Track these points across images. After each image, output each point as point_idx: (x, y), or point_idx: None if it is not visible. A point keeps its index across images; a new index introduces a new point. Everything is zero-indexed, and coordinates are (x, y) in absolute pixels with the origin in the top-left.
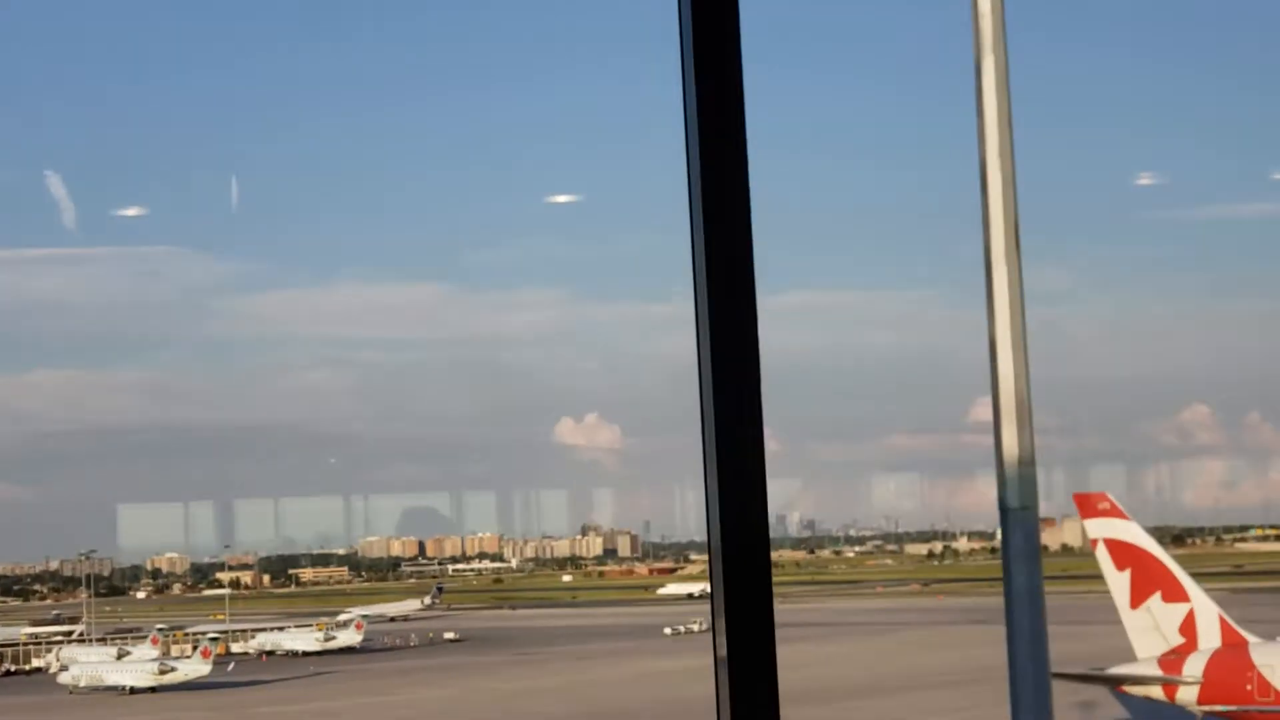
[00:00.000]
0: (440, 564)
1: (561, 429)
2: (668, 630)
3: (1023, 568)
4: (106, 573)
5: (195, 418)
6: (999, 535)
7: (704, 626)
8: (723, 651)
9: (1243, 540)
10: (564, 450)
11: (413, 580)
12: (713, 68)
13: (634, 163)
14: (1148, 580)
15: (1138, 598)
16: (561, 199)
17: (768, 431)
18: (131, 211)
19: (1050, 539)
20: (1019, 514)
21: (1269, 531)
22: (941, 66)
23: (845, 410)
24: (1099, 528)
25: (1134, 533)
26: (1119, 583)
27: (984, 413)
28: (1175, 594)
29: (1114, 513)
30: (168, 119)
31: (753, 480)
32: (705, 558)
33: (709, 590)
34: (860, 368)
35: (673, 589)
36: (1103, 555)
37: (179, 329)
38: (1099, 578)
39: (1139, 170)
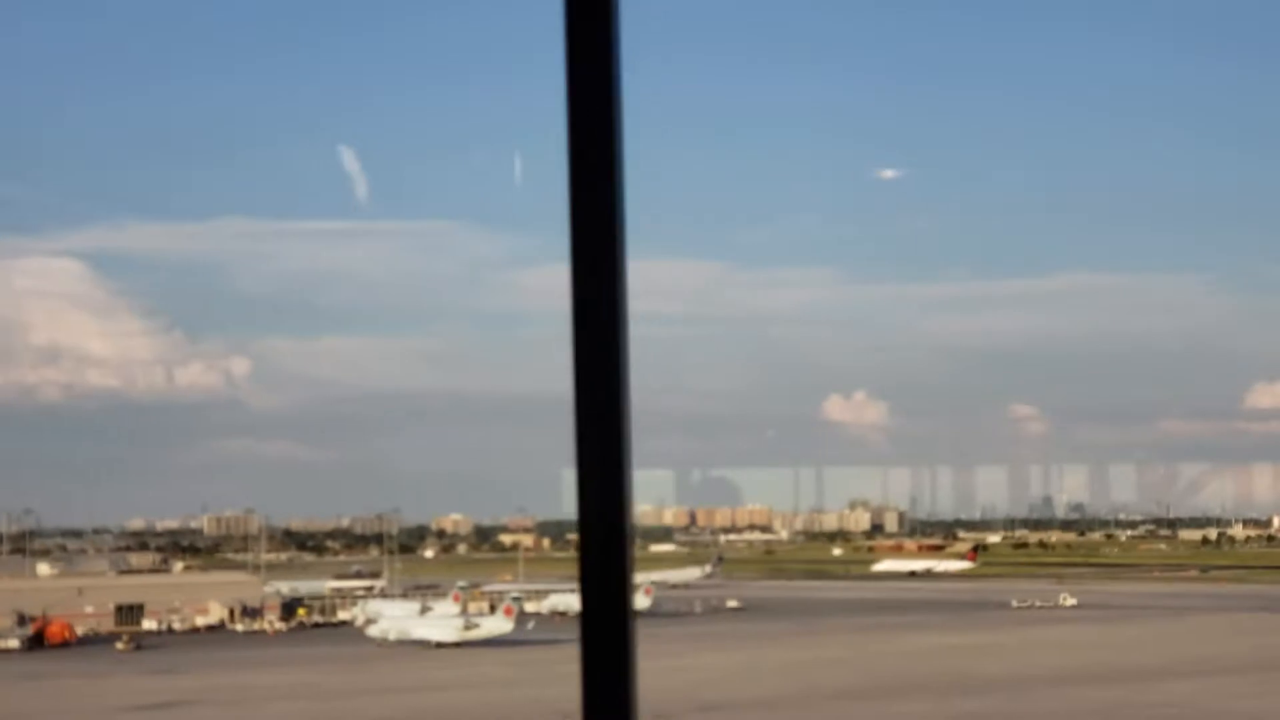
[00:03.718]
0: (711, 534)
1: (830, 406)
2: (1014, 602)
3: None
4: (395, 531)
5: (474, 386)
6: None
7: (1076, 602)
8: None
9: None
10: (832, 427)
11: (686, 550)
12: None
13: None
14: None
15: None
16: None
17: (1033, 412)
18: (418, 187)
19: None
20: None
21: None
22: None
23: (1117, 394)
24: None
25: None
26: None
27: (1261, 399)
28: None
29: None
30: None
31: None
32: (973, 535)
33: (932, 567)
34: (1134, 352)
35: (887, 565)
36: None
37: (461, 301)
38: None
39: None
